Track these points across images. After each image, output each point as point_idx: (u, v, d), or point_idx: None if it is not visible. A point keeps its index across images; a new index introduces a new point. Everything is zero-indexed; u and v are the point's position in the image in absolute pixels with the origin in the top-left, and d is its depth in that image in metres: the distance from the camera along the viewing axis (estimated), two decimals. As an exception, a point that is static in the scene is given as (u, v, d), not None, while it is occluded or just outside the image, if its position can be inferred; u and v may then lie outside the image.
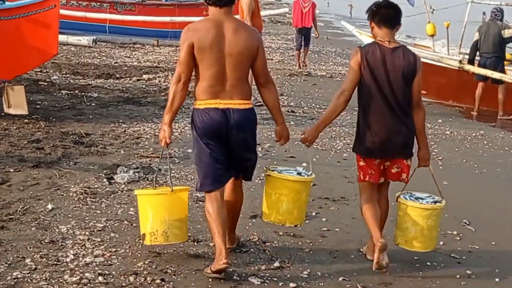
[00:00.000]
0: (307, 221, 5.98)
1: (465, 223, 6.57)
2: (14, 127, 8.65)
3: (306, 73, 16.46)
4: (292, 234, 5.87)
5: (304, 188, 5.50)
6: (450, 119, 12.37)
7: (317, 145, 9.10)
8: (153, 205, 5.11)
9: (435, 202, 5.55)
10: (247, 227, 5.95)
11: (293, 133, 9.46)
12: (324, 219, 6.32)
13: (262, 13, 22.44)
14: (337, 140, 9.57)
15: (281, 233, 5.87)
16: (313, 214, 6.41)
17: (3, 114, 9.16)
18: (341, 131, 10.15)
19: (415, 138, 5.46)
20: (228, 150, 5.02)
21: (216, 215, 4.91)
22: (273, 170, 5.45)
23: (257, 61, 5.06)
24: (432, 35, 14.37)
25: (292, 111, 11.45)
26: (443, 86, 13.97)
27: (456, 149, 9.81)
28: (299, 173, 5.55)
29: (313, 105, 12.31)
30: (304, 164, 6.34)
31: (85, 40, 11.82)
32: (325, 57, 21.72)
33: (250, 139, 5.13)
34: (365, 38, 14.99)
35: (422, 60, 9.48)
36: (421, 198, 5.60)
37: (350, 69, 5.45)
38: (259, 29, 11.41)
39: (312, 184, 5.81)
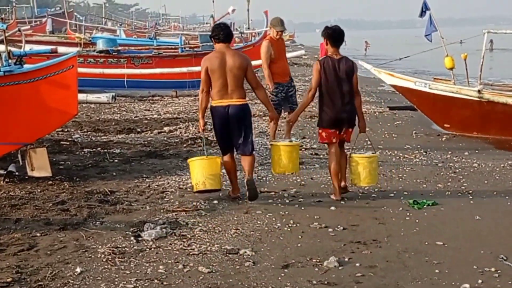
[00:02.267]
0: (340, 267, 6.03)
1: (502, 258, 6.37)
2: (39, 190, 8.62)
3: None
4: (326, 282, 5.73)
5: (293, 149, 8.64)
6: (476, 151, 12.19)
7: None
8: (195, 166, 8.20)
9: (373, 153, 8.66)
10: (279, 278, 5.82)
11: (318, 176, 9.49)
12: (357, 264, 6.16)
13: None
14: (363, 180, 9.42)
15: (314, 282, 5.74)
16: (346, 259, 6.27)
17: (27, 177, 9.14)
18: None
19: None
20: (228, 132, 8.21)
21: (230, 167, 8.40)
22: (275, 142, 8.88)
23: (248, 74, 8.23)
24: (451, 68, 14.26)
25: (316, 154, 11.35)
26: (465, 119, 13.81)
27: (486, 182, 9.62)
28: (290, 141, 8.92)
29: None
30: (293, 139, 9.39)
31: (104, 97, 11.86)
32: (344, 96, 21.66)
33: (242, 123, 8.22)
34: (384, 76, 14.95)
35: (442, 93, 10.87)
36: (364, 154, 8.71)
37: (314, 74, 8.44)
38: (282, 74, 11.39)
39: (300, 147, 9.20)
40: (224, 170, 8.57)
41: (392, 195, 8.70)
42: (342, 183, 8.56)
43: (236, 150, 8.34)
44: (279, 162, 8.56)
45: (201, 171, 8.15)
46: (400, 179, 9.61)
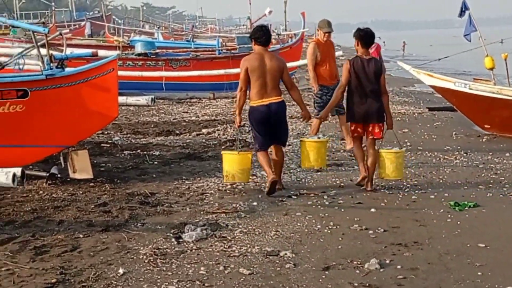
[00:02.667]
0: (381, 270, 6.02)
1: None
2: (81, 192, 8.72)
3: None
4: (367, 284, 5.72)
5: (322, 145, 9.47)
6: (518, 152, 12.03)
7: (384, 189, 8.96)
8: (226, 160, 8.94)
9: (400, 149, 9.17)
10: (320, 280, 5.82)
11: (357, 178, 9.44)
12: (399, 266, 6.13)
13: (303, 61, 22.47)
14: (404, 182, 9.36)
15: (356, 284, 5.72)
16: (387, 261, 6.24)
17: (69, 179, 9.24)
18: (407, 172, 9.94)
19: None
20: (270, 128, 8.69)
21: (265, 161, 8.67)
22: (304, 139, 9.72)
23: (284, 76, 8.82)
24: (491, 69, 14.10)
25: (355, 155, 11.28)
26: (506, 119, 13.62)
27: (530, 182, 9.51)
28: (318, 137, 9.79)
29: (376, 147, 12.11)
30: (319, 135, 10.41)
31: (143, 100, 11.93)
32: (383, 97, 21.56)
33: (282, 118, 8.93)
34: (423, 77, 14.83)
35: (482, 94, 11.05)
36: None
37: (344, 73, 8.93)
38: (328, 77, 11.36)
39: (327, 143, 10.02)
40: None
41: (432, 196, 8.64)
42: (368, 187, 8.96)
43: (274, 142, 8.90)
44: (309, 157, 9.34)
45: (232, 165, 8.86)
46: (441, 181, 9.53)
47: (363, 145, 9.24)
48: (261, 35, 8.75)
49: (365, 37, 8.94)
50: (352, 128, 9.09)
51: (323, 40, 11.43)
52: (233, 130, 13.25)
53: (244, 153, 9.13)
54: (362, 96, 8.83)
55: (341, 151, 11.62)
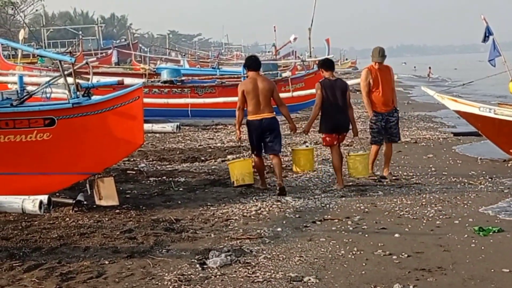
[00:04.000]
0: None
1: None
2: (106, 218, 8.81)
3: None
4: (391, 310, 5.71)
5: (309, 153, 11.38)
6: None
7: (408, 214, 8.96)
8: (235, 167, 10.85)
9: (365, 152, 11.47)
10: (344, 306, 5.82)
11: (382, 204, 9.45)
12: (422, 292, 6.12)
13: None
14: (428, 207, 9.37)
15: (379, 309, 5.72)
16: (411, 287, 6.23)
17: (95, 206, 9.35)
18: (431, 197, 9.94)
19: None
20: (262, 138, 10.54)
21: (260, 166, 10.83)
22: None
23: (274, 95, 10.59)
24: (516, 93, 14.07)
25: (379, 180, 11.31)
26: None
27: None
28: (307, 146, 12.31)
29: (400, 172, 12.13)
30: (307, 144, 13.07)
31: (169, 127, 12.06)
32: (408, 122, 21.55)
33: (272, 131, 10.55)
34: (447, 102, 14.82)
35: (507, 118, 11.40)
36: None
37: (317, 93, 10.89)
38: (381, 104, 11.42)
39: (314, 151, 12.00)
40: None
41: (457, 222, 8.62)
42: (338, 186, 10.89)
43: (266, 151, 10.77)
44: (299, 163, 11.15)
45: (240, 170, 10.78)
46: (465, 206, 9.50)
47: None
48: (252, 62, 10.84)
49: (326, 63, 11.24)
50: (327, 139, 11.00)
51: (375, 67, 11.49)
52: (236, 143, 13.72)
53: (247, 159, 11.35)
54: (333, 111, 10.78)
55: (366, 177, 11.62)
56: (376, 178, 11.40)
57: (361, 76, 11.86)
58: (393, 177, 11.53)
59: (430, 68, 69.78)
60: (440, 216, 8.86)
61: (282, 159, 11.55)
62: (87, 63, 10.24)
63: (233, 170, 10.81)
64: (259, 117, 10.45)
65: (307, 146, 11.84)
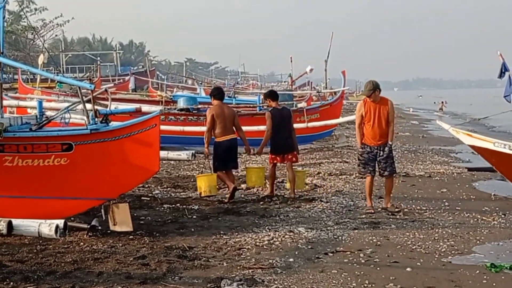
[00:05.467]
0: None
1: None
2: (120, 244, 8.88)
3: (404, 174, 16.34)
4: None
5: (260, 170, 13.91)
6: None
7: (420, 248, 8.97)
8: (203, 179, 12.62)
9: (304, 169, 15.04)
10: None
11: (394, 237, 9.47)
12: (433, 327, 6.13)
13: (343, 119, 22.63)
14: (440, 242, 9.37)
15: None
16: (422, 321, 6.25)
17: (109, 231, 9.43)
18: (444, 232, 9.95)
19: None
20: (229, 155, 12.49)
21: (226, 177, 12.56)
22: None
23: (235, 120, 12.72)
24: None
25: (393, 214, 11.33)
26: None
27: None
28: (258, 165, 15.42)
29: (413, 206, 12.15)
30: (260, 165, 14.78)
31: (184, 154, 12.18)
32: (422, 156, 21.55)
33: (236, 150, 12.75)
34: (462, 136, 14.82)
35: None
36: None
37: (268, 121, 12.80)
38: (370, 137, 11.54)
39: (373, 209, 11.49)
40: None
41: (469, 257, 8.63)
42: (293, 194, 12.91)
43: (228, 167, 12.70)
44: (251, 179, 13.61)
45: (208, 182, 12.56)
46: (478, 242, 9.50)
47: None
48: (218, 93, 13.06)
49: (273, 94, 13.53)
50: (274, 158, 13.00)
51: (369, 100, 11.58)
52: (204, 159, 14.47)
53: (213, 174, 12.86)
54: (280, 134, 12.82)
55: (379, 209, 11.66)
56: (373, 211, 11.39)
57: (356, 108, 12.12)
58: (396, 209, 11.54)
59: (442, 102, 69.67)
60: (453, 251, 8.87)
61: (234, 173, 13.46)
62: (106, 90, 10.38)
63: (201, 182, 12.64)
64: (228, 138, 12.57)
65: (259, 166, 14.87)
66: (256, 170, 13.96)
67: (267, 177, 13.24)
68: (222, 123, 12.50)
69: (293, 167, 13.26)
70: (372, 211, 11.41)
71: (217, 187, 12.76)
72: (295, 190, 12.98)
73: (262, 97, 14.74)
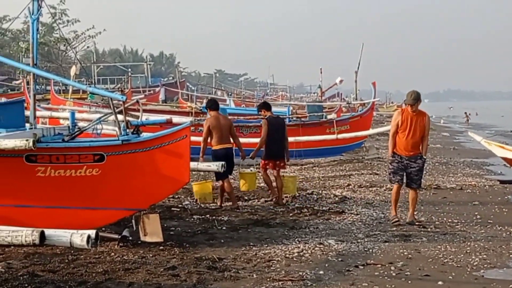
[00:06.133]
0: None
1: None
2: (151, 255, 8.91)
3: (435, 186, 16.21)
4: None
5: (252, 176, 14.71)
6: None
7: (452, 262, 8.88)
8: (199, 188, 13.56)
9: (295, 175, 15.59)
10: None
11: (426, 250, 9.39)
12: None
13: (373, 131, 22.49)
14: (472, 255, 9.28)
15: None
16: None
17: (139, 242, 9.46)
18: (476, 245, 9.85)
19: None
20: (227, 163, 12.15)
21: (229, 187, 13.06)
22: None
23: (231, 130, 13.29)
24: None
25: (424, 227, 11.24)
26: None
27: None
28: (251, 170, 14.95)
29: (445, 219, 12.05)
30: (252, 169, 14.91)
31: (214, 165, 12.14)
32: (454, 168, 21.37)
33: (232, 158, 13.14)
34: (494, 148, 14.73)
35: None
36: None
37: (264, 128, 13.57)
38: (403, 147, 11.41)
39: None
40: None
41: (501, 271, 8.53)
42: (281, 202, 13.48)
43: (227, 173, 12.96)
44: (244, 184, 14.51)
45: (203, 190, 13.59)
46: (511, 255, 9.39)
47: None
48: (213, 104, 13.63)
49: (267, 106, 14.36)
50: (267, 163, 13.71)
51: (408, 110, 11.50)
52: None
53: (206, 181, 13.95)
54: (276, 142, 13.55)
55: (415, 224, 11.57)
56: (398, 220, 11.31)
57: (393, 116, 11.99)
58: (417, 223, 11.43)
59: (466, 113, 69.07)
60: (485, 265, 8.77)
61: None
62: (137, 101, 10.46)
63: (197, 190, 13.61)
64: (224, 147, 13.03)
65: (251, 171, 15.14)
66: (249, 175, 14.81)
67: (267, 183, 13.86)
68: (218, 133, 12.97)
69: (286, 173, 14.60)
70: (397, 220, 11.32)
71: (211, 197, 13.56)
72: (284, 196, 13.78)
73: (259, 108, 14.73)
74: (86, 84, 30.87)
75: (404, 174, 11.58)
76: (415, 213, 11.83)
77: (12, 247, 8.76)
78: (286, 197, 13.87)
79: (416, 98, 11.44)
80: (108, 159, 9.08)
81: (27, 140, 8.32)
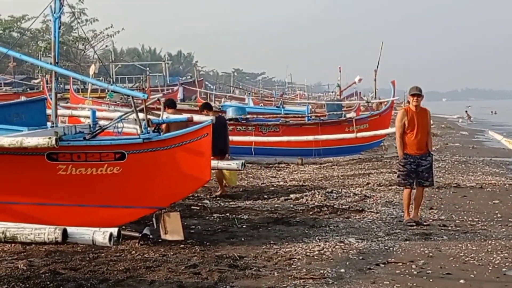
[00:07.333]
0: None
1: None
2: (171, 253, 8.94)
3: (455, 185, 16.13)
4: None
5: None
6: None
7: (473, 260, 8.84)
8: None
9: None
10: None
11: (447, 248, 9.36)
12: None
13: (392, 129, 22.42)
14: (494, 254, 9.23)
15: None
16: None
17: (160, 240, 9.50)
18: (497, 244, 9.80)
19: None
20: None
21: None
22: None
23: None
24: None
25: (444, 225, 11.20)
26: None
27: None
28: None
29: (465, 217, 11.99)
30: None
31: (234, 164, 12.17)
32: (473, 167, 21.23)
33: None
34: (515, 147, 14.62)
35: None
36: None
37: None
38: (413, 146, 11.29)
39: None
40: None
41: (524, 270, 8.48)
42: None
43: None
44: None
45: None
46: (533, 254, 9.34)
47: None
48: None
49: (208, 106, 15.24)
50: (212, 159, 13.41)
51: (413, 105, 11.36)
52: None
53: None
54: (219, 139, 13.52)
55: (430, 220, 11.55)
56: (414, 222, 11.21)
57: (397, 117, 11.64)
58: (424, 223, 11.35)
59: (467, 112, 68.25)
60: (507, 264, 8.72)
61: None
62: (158, 99, 10.48)
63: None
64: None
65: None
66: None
67: (218, 179, 14.66)
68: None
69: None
70: (413, 222, 11.24)
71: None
72: (226, 187, 14.86)
73: (201, 109, 15.49)
74: (106, 83, 30.99)
75: (415, 176, 11.45)
76: (435, 211, 11.76)
77: (33, 245, 8.81)
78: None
79: (420, 89, 11.38)
80: (129, 157, 9.11)
81: (49, 138, 8.34)
